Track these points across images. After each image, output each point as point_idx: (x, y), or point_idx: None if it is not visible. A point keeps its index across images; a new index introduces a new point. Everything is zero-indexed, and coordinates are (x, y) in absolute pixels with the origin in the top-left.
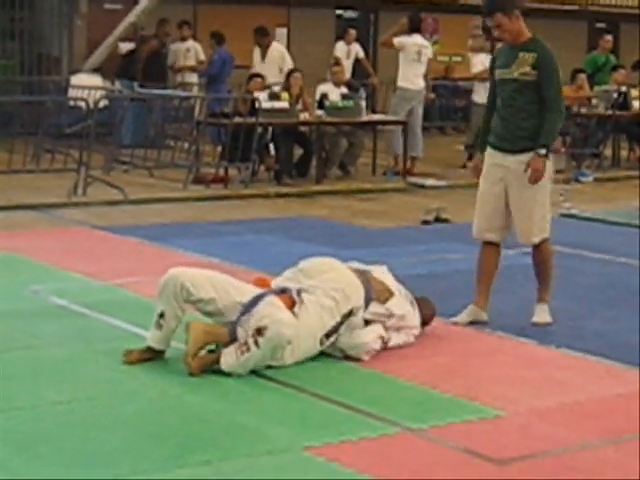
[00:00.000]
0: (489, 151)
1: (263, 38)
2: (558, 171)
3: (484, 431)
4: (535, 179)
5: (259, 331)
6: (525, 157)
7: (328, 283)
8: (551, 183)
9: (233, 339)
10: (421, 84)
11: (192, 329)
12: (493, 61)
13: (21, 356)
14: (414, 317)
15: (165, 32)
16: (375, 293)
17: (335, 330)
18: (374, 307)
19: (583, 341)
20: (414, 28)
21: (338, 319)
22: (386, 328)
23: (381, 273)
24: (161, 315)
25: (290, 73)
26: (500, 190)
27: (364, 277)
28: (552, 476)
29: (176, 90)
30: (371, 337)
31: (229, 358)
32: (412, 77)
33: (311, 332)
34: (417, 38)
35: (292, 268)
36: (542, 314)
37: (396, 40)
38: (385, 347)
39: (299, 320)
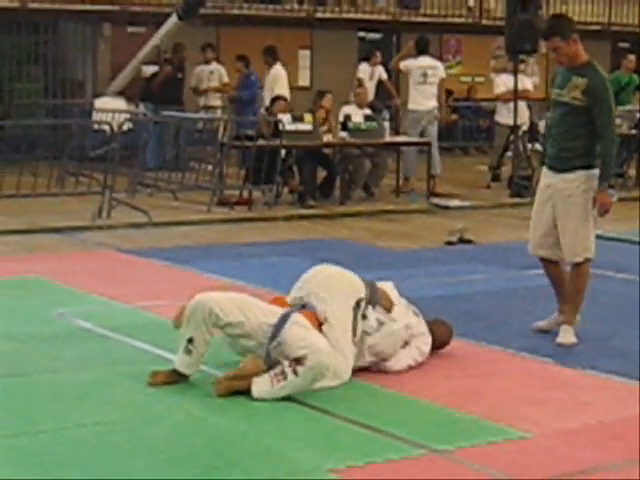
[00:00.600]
0: (543, 170)
1: (268, 58)
2: None
3: (509, 452)
4: (603, 212)
5: (298, 360)
6: (571, 176)
7: (330, 282)
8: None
9: (269, 367)
10: (430, 104)
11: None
12: (553, 80)
13: (45, 379)
14: (420, 326)
15: (180, 57)
16: (381, 299)
17: (355, 324)
18: (379, 313)
19: (607, 361)
20: (421, 50)
21: (352, 313)
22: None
23: (385, 285)
24: (190, 341)
25: (322, 95)
26: (549, 209)
27: (368, 282)
28: None
29: (200, 113)
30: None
31: (263, 386)
32: (419, 99)
33: (343, 345)
34: (424, 60)
35: (297, 282)
36: (567, 335)
37: (402, 64)
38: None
39: (329, 338)
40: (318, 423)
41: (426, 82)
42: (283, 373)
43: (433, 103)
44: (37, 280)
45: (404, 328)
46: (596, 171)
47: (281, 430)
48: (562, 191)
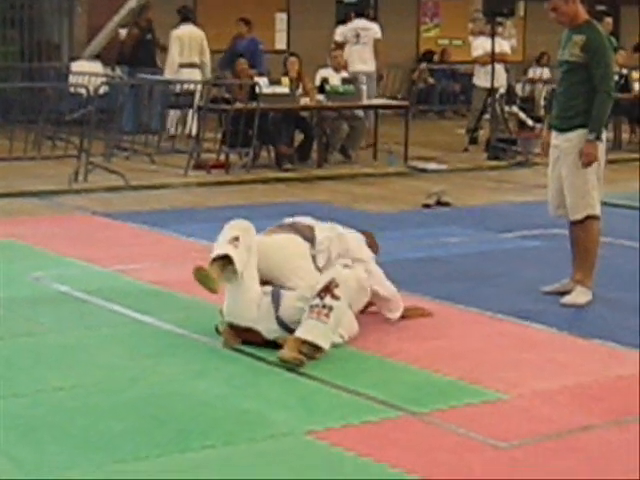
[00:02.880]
0: (552, 132)
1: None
2: None
3: (486, 414)
4: (587, 163)
5: (327, 288)
6: (571, 135)
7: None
8: (600, 163)
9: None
10: (365, 67)
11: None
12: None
13: (23, 342)
14: (350, 240)
15: (146, 18)
16: (311, 236)
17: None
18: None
19: (585, 324)
20: (358, 13)
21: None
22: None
23: (304, 219)
24: (235, 238)
25: (286, 58)
26: (558, 169)
27: (294, 228)
28: (555, 458)
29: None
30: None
31: (316, 330)
32: (355, 60)
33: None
34: (358, 22)
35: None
36: (580, 295)
37: (336, 34)
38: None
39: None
40: (295, 386)
41: (359, 42)
42: (325, 306)
43: (369, 66)
44: (13, 244)
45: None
46: None
47: (259, 393)
48: (565, 150)
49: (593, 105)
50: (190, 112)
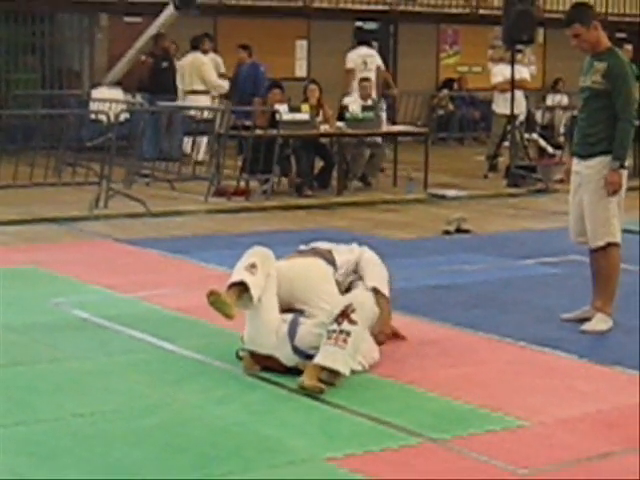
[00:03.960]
0: (573, 158)
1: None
2: (563, 180)
3: (507, 441)
4: (612, 192)
5: (344, 313)
6: (592, 162)
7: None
8: (623, 190)
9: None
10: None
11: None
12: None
13: (43, 369)
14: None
15: (162, 47)
16: (333, 260)
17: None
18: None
19: (605, 351)
20: (361, 41)
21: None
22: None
23: (321, 244)
24: (252, 265)
25: (307, 85)
26: (579, 196)
27: (316, 252)
28: None
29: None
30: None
31: (336, 355)
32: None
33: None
34: (362, 50)
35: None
36: (599, 323)
37: (347, 60)
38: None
39: None
40: (315, 412)
41: (366, 69)
42: (342, 332)
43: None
44: (34, 270)
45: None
46: None
47: (278, 419)
48: (585, 177)
49: (615, 133)
50: (203, 139)
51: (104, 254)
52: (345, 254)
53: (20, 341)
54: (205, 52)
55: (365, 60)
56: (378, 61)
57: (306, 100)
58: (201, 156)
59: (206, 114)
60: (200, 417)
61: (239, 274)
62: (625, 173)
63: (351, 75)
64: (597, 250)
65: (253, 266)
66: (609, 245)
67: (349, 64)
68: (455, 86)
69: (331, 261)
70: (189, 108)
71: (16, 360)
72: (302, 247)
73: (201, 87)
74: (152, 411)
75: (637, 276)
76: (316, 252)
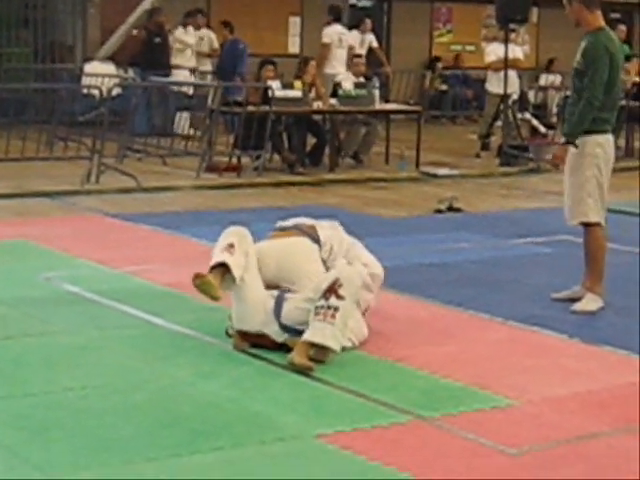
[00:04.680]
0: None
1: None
2: None
3: (496, 420)
4: (554, 165)
5: (331, 288)
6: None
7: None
8: (601, 170)
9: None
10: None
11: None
12: None
13: (34, 343)
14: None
15: (156, 21)
16: (317, 238)
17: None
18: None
19: (595, 330)
20: (336, 18)
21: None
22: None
23: (303, 220)
24: (231, 245)
25: (307, 61)
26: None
27: (300, 230)
28: (564, 465)
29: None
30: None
31: (325, 331)
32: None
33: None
34: (337, 27)
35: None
36: (589, 302)
37: (324, 34)
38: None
39: None
40: (305, 389)
41: (341, 47)
42: (330, 307)
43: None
44: (25, 244)
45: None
46: (595, 136)
47: (268, 396)
48: (567, 156)
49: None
50: (182, 113)
51: (95, 229)
52: (327, 229)
53: (10, 315)
54: (198, 28)
55: (340, 37)
56: (350, 41)
57: (299, 77)
58: (185, 130)
59: (190, 90)
60: (190, 392)
61: (219, 256)
62: (609, 152)
63: (327, 50)
64: (584, 229)
65: (231, 246)
66: (588, 225)
67: (325, 39)
68: (450, 64)
69: (315, 238)
70: (181, 84)
71: (6, 334)
72: (282, 223)
73: (181, 62)
74: (142, 386)
75: (631, 257)
76: (300, 229)
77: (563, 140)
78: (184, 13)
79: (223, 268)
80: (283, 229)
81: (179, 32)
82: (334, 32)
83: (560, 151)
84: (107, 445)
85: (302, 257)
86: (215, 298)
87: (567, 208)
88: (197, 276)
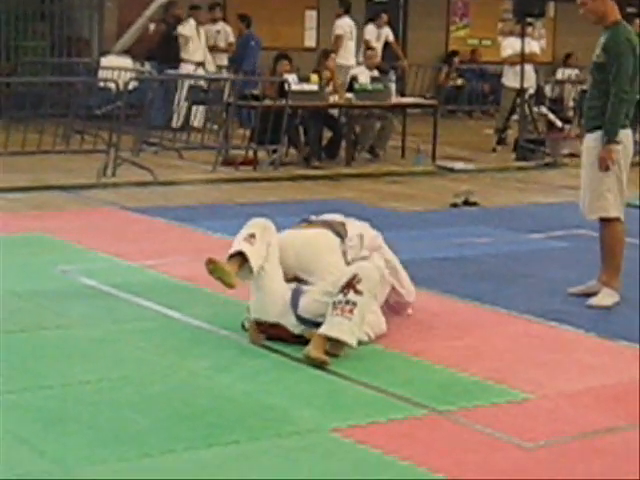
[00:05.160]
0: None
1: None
2: (573, 155)
3: (511, 414)
4: (603, 168)
5: (350, 283)
6: (592, 135)
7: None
8: (621, 165)
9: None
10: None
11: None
12: None
13: (51, 335)
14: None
15: (174, 14)
16: (342, 232)
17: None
18: (347, 243)
19: (611, 325)
20: (346, 10)
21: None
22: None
23: (334, 216)
24: (252, 235)
25: (327, 55)
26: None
27: (326, 223)
28: (579, 459)
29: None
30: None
31: (342, 326)
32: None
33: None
34: (348, 20)
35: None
36: (605, 297)
37: (337, 26)
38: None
39: None
40: (321, 382)
41: (352, 39)
42: (348, 302)
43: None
44: (42, 237)
45: (360, 237)
46: None
47: (284, 389)
48: (586, 150)
49: (607, 109)
50: (197, 107)
51: (111, 222)
52: (357, 228)
53: (26, 308)
54: (215, 21)
55: (351, 29)
56: (370, 33)
57: (318, 71)
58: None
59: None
60: (206, 386)
61: (238, 245)
62: (619, 147)
63: (340, 41)
64: (602, 224)
65: (252, 236)
66: (607, 220)
67: (338, 30)
68: (457, 61)
69: (339, 232)
70: (197, 77)
71: (22, 326)
72: (312, 217)
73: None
74: (158, 379)
75: None
76: (327, 223)
77: (605, 140)
78: (188, 6)
79: (241, 258)
80: (310, 222)
81: (181, 26)
82: (345, 24)
83: (605, 152)
84: (123, 438)
85: (322, 248)
86: (229, 285)
87: (586, 203)
88: (210, 261)
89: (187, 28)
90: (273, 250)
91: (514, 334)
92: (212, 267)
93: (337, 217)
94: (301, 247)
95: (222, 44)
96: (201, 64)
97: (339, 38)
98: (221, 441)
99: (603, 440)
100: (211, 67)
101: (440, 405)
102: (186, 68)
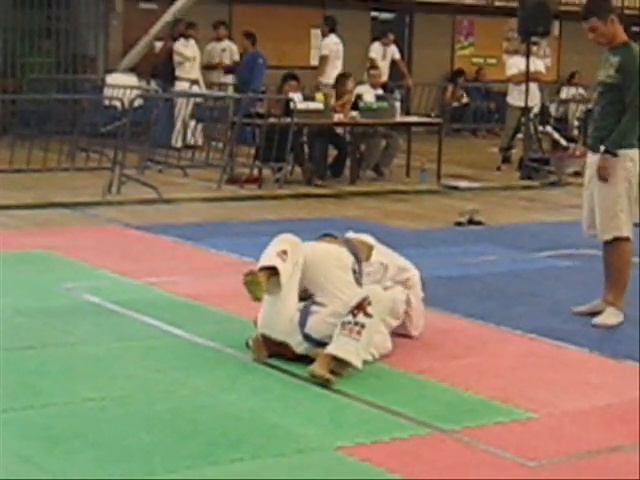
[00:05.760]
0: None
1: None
2: (578, 173)
3: (516, 433)
4: (600, 177)
5: (360, 305)
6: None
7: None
8: (632, 184)
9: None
10: None
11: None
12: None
13: (55, 353)
14: (400, 260)
15: (180, 32)
16: (361, 254)
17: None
18: (366, 267)
19: (615, 344)
20: (331, 29)
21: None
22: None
23: (359, 236)
24: (284, 252)
25: (346, 77)
26: (591, 190)
27: (348, 244)
28: (583, 478)
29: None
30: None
31: (348, 346)
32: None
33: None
34: (335, 38)
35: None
36: (609, 316)
37: (323, 45)
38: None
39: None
40: (325, 401)
41: (337, 57)
42: (357, 324)
43: None
44: (46, 255)
45: (387, 268)
46: (627, 151)
47: (288, 407)
48: (597, 171)
49: (620, 123)
50: (192, 123)
51: (116, 240)
52: (382, 256)
53: (31, 325)
54: (220, 39)
55: (338, 48)
56: (376, 51)
57: (343, 92)
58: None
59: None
60: (210, 404)
61: (271, 259)
62: (632, 165)
63: (325, 61)
64: (608, 244)
65: (285, 253)
66: (619, 239)
67: (325, 51)
68: (462, 79)
69: (355, 253)
70: (202, 96)
71: (27, 344)
72: (347, 234)
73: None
74: (162, 397)
75: None
76: (345, 241)
77: (604, 150)
78: (185, 24)
79: (270, 271)
80: (332, 236)
81: (178, 44)
82: (332, 43)
83: (603, 162)
84: (127, 456)
85: (331, 262)
86: (258, 298)
87: (600, 223)
88: (251, 272)
89: (190, 49)
90: (297, 269)
91: (519, 353)
92: (250, 278)
93: (367, 239)
94: (311, 261)
95: (227, 62)
96: (196, 82)
97: (324, 59)
98: (225, 459)
99: (607, 459)
100: (203, 85)
101: (444, 424)
102: (181, 85)
